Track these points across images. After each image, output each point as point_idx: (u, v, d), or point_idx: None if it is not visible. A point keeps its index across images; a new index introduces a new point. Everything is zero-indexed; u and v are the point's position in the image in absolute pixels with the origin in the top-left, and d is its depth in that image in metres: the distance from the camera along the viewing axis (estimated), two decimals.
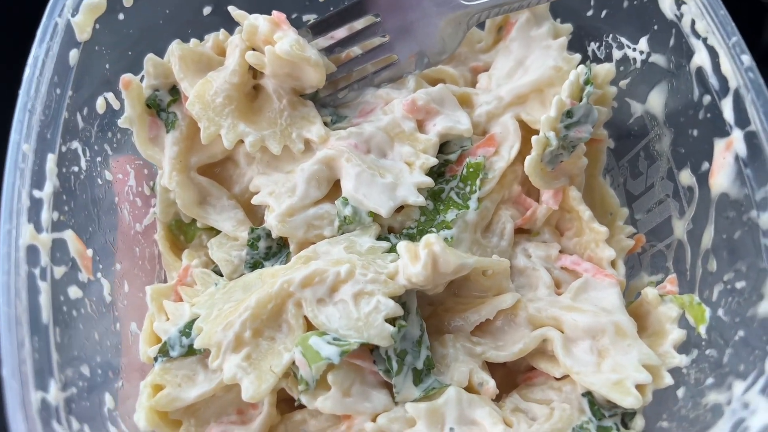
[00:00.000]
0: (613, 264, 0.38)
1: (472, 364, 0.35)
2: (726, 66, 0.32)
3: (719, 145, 0.33)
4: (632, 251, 0.39)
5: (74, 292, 0.31)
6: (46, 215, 0.30)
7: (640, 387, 0.33)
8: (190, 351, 0.34)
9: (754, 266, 0.30)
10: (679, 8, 0.34)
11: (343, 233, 0.36)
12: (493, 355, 0.35)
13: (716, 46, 0.32)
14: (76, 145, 0.33)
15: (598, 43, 0.41)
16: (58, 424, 0.26)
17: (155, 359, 0.34)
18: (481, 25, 0.43)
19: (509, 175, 0.39)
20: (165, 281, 0.39)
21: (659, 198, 0.38)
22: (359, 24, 0.40)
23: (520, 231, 0.40)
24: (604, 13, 0.39)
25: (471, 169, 0.38)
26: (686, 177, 0.36)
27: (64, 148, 0.32)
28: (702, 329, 0.33)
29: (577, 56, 0.39)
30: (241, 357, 0.32)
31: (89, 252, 0.32)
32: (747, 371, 0.29)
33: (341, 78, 0.40)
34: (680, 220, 0.36)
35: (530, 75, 0.39)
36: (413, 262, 0.32)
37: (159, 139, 0.38)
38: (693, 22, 0.33)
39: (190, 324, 0.34)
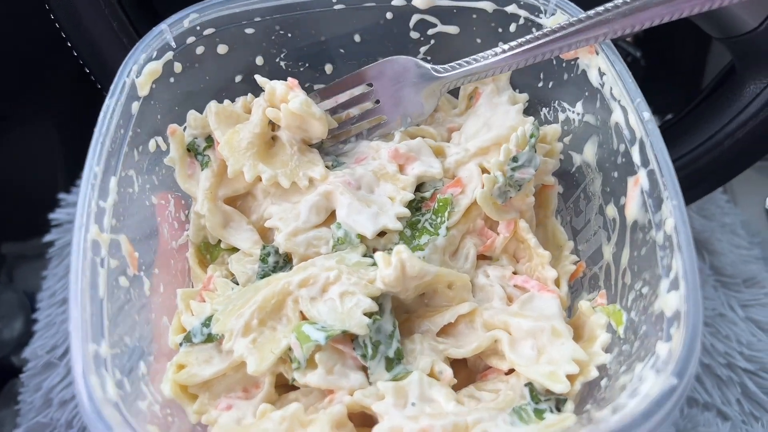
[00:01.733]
0: (556, 283, 0.46)
1: (435, 357, 0.42)
2: (633, 120, 0.41)
3: (630, 181, 0.41)
4: (575, 275, 0.47)
5: (123, 281, 0.40)
6: (107, 220, 0.39)
7: (570, 377, 0.40)
8: (208, 338, 0.42)
9: (654, 274, 0.38)
10: (601, 78, 0.44)
11: (336, 251, 0.45)
12: (453, 352, 0.43)
13: (626, 106, 0.42)
14: (132, 173, 0.43)
15: (547, 108, 0.50)
16: (105, 371, 0.35)
17: (180, 345, 0.43)
18: (456, 95, 0.54)
19: (473, 211, 0.48)
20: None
21: (594, 230, 0.46)
22: (357, 91, 0.50)
23: (483, 257, 0.48)
24: (550, 84, 0.49)
25: (441, 204, 0.47)
26: (611, 210, 0.44)
27: (123, 174, 0.42)
28: (621, 330, 0.41)
29: (531, 118, 0.49)
30: (249, 340, 0.41)
31: (136, 254, 0.42)
32: (645, 355, 0.37)
33: (341, 133, 0.50)
34: (608, 246, 0.44)
35: (492, 132, 0.49)
36: (386, 266, 0.41)
37: (195, 175, 0.48)
38: (611, 89, 0.43)
39: (210, 318, 0.43)
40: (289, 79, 0.47)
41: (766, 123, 0.54)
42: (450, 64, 0.47)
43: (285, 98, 0.46)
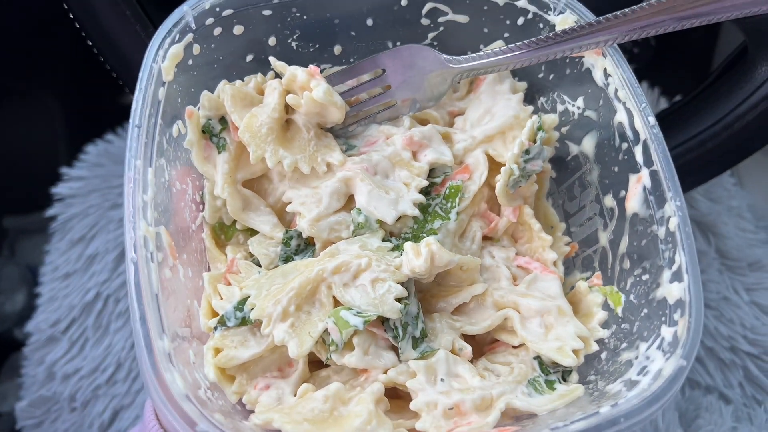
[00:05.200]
0: (555, 264, 0.50)
1: (453, 334, 0.46)
2: (638, 123, 0.45)
3: (632, 178, 0.46)
4: (568, 256, 0.52)
5: (166, 273, 0.40)
6: (150, 214, 0.40)
7: (575, 351, 0.45)
8: (242, 322, 0.44)
9: (654, 264, 0.43)
10: (606, 79, 0.47)
11: (356, 236, 0.48)
12: (468, 329, 0.47)
13: (632, 109, 0.46)
14: (163, 161, 0.43)
15: (545, 98, 0.54)
16: (172, 365, 0.36)
17: (215, 329, 0.44)
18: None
19: (478, 195, 0.51)
20: (209, 270, 0.49)
21: (589, 216, 0.51)
22: (369, 75, 0.51)
23: (485, 238, 0.52)
24: (551, 76, 0.52)
25: (452, 190, 0.50)
26: (609, 200, 0.49)
27: (157, 164, 0.42)
28: (619, 310, 0.46)
29: (531, 108, 0.52)
30: (287, 325, 0.43)
31: (172, 244, 0.42)
32: (649, 336, 0.42)
33: (353, 116, 0.52)
34: (604, 232, 0.49)
35: (496, 121, 0.52)
36: (417, 257, 0.44)
37: (211, 158, 0.48)
38: (616, 90, 0.47)
39: (241, 302, 0.44)
40: (311, 66, 0.47)
41: None
42: (463, 56, 0.49)
43: (306, 86, 0.47)
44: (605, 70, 0.47)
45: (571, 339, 0.45)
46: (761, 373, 0.72)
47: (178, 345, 0.39)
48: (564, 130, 0.53)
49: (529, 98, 0.54)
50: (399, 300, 0.44)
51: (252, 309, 0.43)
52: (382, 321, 0.44)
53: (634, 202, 0.46)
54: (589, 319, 0.47)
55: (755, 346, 0.73)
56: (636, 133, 0.45)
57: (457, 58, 0.49)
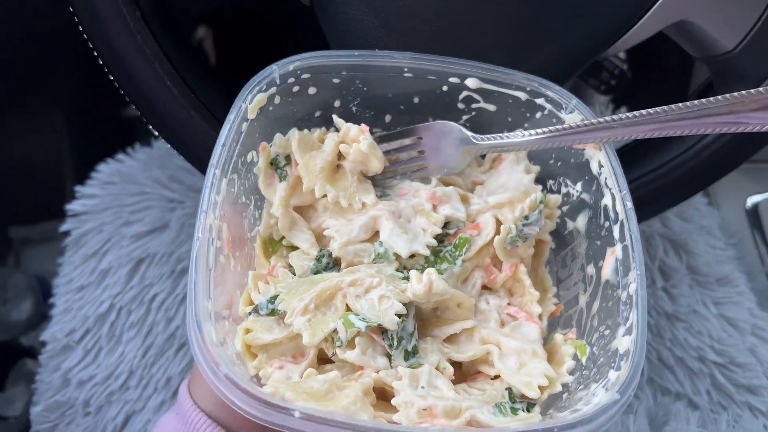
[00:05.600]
0: (540, 317, 0.59)
1: (441, 356, 0.55)
2: (618, 206, 0.55)
3: (608, 251, 0.55)
4: (554, 314, 0.61)
5: (221, 258, 0.52)
6: (218, 211, 0.52)
7: (541, 387, 0.53)
8: (271, 312, 0.55)
9: (615, 321, 0.52)
10: (599, 169, 0.58)
11: (375, 263, 0.58)
12: (454, 355, 0.56)
13: (615, 195, 0.55)
14: (234, 176, 0.55)
15: (553, 181, 0.64)
16: (211, 322, 0.47)
17: (249, 314, 0.55)
18: (483, 157, 0.67)
19: (484, 251, 0.61)
20: (255, 271, 0.60)
21: (575, 281, 0.60)
22: (408, 141, 0.63)
23: (485, 287, 0.62)
24: (559, 163, 0.63)
25: (461, 241, 0.60)
26: (590, 269, 0.58)
27: (231, 177, 0.54)
28: (584, 359, 0.54)
29: (539, 187, 0.62)
30: (305, 319, 0.53)
31: (230, 240, 0.54)
32: (600, 378, 0.50)
33: (391, 171, 0.64)
34: (583, 295, 0.58)
35: (508, 193, 0.62)
36: (418, 282, 0.54)
37: (273, 185, 0.61)
38: (606, 179, 0.57)
39: (274, 297, 0.55)
40: (362, 125, 0.60)
41: (738, 137, 0.61)
42: (487, 136, 0.60)
43: (356, 138, 0.59)
44: (599, 161, 0.58)
45: (539, 377, 0.53)
46: (727, 381, 0.77)
47: (219, 317, 0.50)
48: (564, 208, 0.62)
49: (540, 180, 0.64)
50: (399, 316, 0.53)
51: (281, 303, 0.54)
52: (383, 331, 0.54)
53: (608, 270, 0.55)
54: (560, 366, 0.55)
55: (722, 355, 0.79)
56: (616, 213, 0.55)
57: (482, 136, 0.60)
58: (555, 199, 0.62)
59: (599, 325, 0.54)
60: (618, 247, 0.54)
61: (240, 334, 0.53)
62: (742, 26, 0.55)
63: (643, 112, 0.55)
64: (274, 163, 0.61)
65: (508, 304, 0.60)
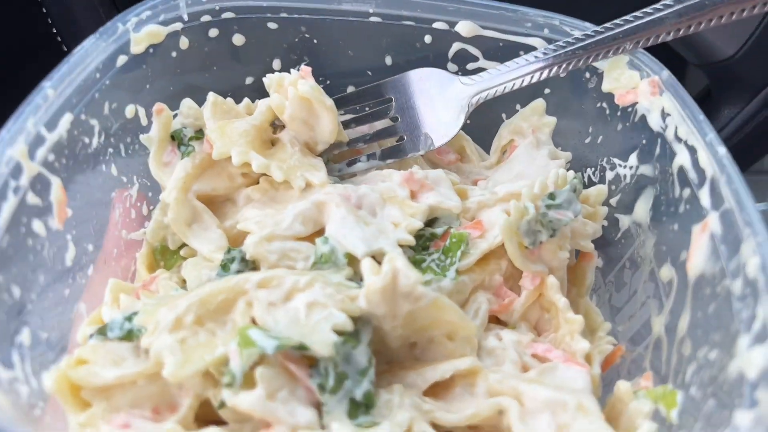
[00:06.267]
0: (588, 360, 0.35)
1: (418, 415, 0.31)
2: (704, 159, 0.33)
3: (696, 229, 0.33)
4: (611, 361, 0.37)
5: (38, 226, 0.31)
6: (42, 151, 0.32)
7: None
8: (127, 336, 0.32)
9: (728, 333, 0.28)
10: (664, 120, 0.37)
11: (315, 269, 0.36)
12: (441, 416, 0.32)
13: (696, 144, 0.34)
14: (94, 123, 0.36)
15: (593, 168, 0.43)
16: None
17: (90, 337, 0.33)
18: (487, 148, 0.47)
19: (492, 262, 0.39)
20: None
21: (641, 301, 0.37)
22: (374, 104, 0.44)
23: (496, 321, 0.39)
24: (599, 138, 0.42)
25: (454, 240, 0.38)
26: (666, 272, 0.35)
27: (82, 117, 0.35)
28: (673, 414, 0.30)
29: (572, 172, 0.41)
30: (175, 339, 0.31)
31: (68, 210, 0.33)
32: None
33: (352, 150, 0.43)
34: (659, 317, 0.35)
35: (525, 180, 0.41)
36: (375, 273, 0.32)
37: (171, 165, 0.41)
38: (676, 129, 0.36)
39: (134, 313, 0.33)
40: (303, 66, 0.41)
41: (740, 145, 0.58)
42: (479, 74, 0.41)
43: (294, 83, 0.40)
44: (662, 110, 0.37)
45: None
46: None
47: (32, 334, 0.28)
48: (613, 201, 0.41)
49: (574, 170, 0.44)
50: (340, 334, 0.31)
51: (141, 316, 0.32)
52: (311, 364, 0.31)
53: (697, 258, 0.32)
54: None
55: None
56: (701, 172, 0.33)
57: (474, 77, 0.41)
58: (598, 191, 0.41)
59: (696, 350, 0.30)
60: (712, 218, 0.32)
61: (63, 365, 0.31)
62: (741, 33, 0.54)
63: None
64: (176, 138, 0.42)
65: (533, 341, 0.37)
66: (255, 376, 0.29)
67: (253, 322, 0.32)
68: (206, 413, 0.32)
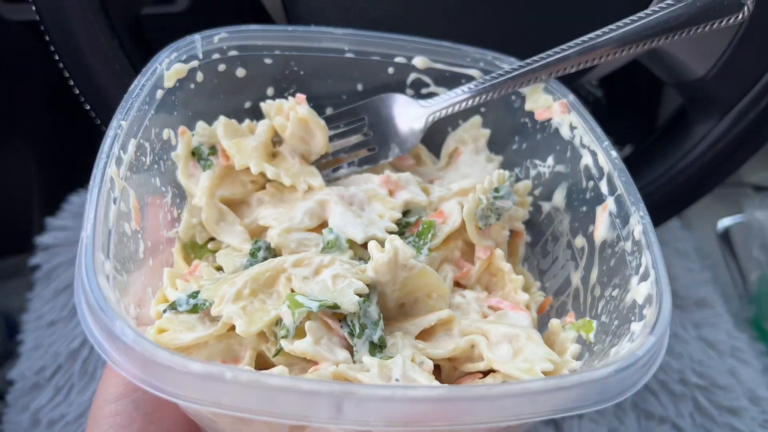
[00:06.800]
0: (527, 306, 0.49)
1: (415, 351, 0.43)
2: (602, 160, 0.48)
3: (599, 209, 0.47)
4: (543, 309, 0.50)
5: (126, 227, 0.41)
6: (123, 169, 0.41)
7: (545, 373, 0.42)
8: (193, 309, 0.42)
9: (624, 276, 0.42)
10: (572, 132, 0.51)
11: (325, 253, 0.47)
12: (431, 352, 0.44)
13: (596, 150, 0.48)
14: (146, 144, 0.45)
15: (519, 168, 0.57)
16: (107, 280, 0.35)
17: (164, 312, 0.42)
18: (437, 154, 0.60)
19: (452, 241, 0.51)
20: None
21: (562, 264, 0.50)
22: (347, 123, 0.55)
23: (458, 285, 0.51)
24: (524, 145, 0.56)
25: (425, 226, 0.50)
26: (579, 241, 0.49)
27: (141, 141, 0.44)
28: (591, 336, 0.44)
29: (507, 172, 0.55)
30: (238, 306, 0.41)
31: (140, 213, 0.43)
32: (619, 341, 0.40)
33: (336, 160, 0.55)
34: (576, 272, 0.48)
35: (472, 179, 0.54)
36: (380, 251, 0.43)
37: (195, 176, 0.50)
38: (581, 138, 0.50)
39: (196, 292, 0.43)
40: (298, 95, 0.52)
41: (713, 161, 0.61)
42: (432, 98, 0.53)
43: (293, 108, 0.51)
44: (570, 124, 0.51)
45: (540, 361, 0.42)
46: (709, 403, 0.76)
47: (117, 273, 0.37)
48: (536, 192, 0.55)
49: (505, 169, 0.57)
50: (360, 295, 0.42)
51: (206, 292, 0.42)
52: (340, 319, 0.42)
53: (602, 230, 0.46)
54: (563, 355, 0.44)
55: (703, 378, 0.78)
56: (600, 169, 0.47)
57: (429, 101, 0.53)
58: (525, 184, 0.55)
59: (603, 291, 0.44)
60: (609, 201, 0.46)
61: (151, 336, 0.40)
62: (713, 53, 0.56)
63: (599, 32, 0.50)
64: (196, 154, 0.51)
65: (487, 297, 0.50)
66: (304, 328, 0.40)
67: (292, 291, 0.43)
68: (260, 363, 0.42)
